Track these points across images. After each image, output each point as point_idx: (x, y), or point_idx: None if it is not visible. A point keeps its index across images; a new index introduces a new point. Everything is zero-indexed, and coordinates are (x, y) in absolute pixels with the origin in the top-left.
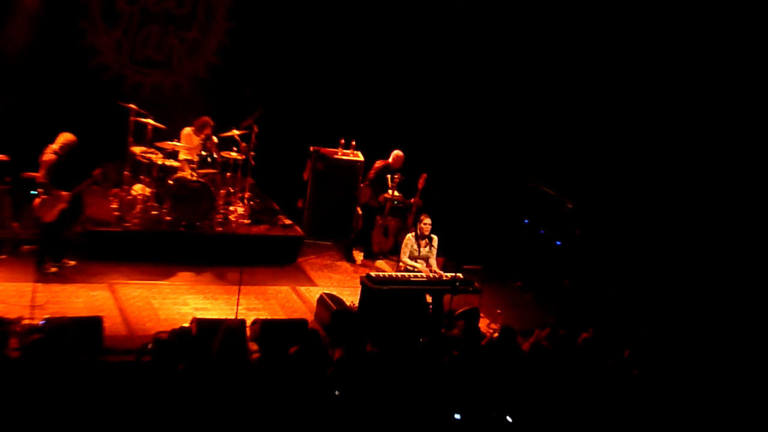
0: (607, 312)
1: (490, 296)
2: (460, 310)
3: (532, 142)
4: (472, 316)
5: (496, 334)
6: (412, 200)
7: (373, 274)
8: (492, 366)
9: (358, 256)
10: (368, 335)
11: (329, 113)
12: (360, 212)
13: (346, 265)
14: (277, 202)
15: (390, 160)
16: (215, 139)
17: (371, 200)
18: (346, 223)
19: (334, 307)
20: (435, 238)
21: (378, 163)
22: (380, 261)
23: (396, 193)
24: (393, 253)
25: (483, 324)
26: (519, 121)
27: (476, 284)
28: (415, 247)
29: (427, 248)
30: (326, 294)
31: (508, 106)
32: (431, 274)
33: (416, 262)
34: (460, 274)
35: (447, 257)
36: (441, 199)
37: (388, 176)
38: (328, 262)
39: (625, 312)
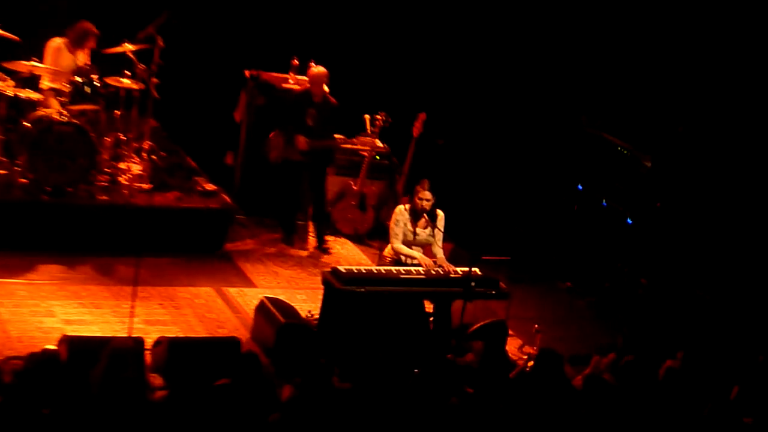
0: (705, 328)
1: (523, 304)
2: (477, 325)
3: (591, 68)
4: (496, 334)
5: (531, 363)
6: (408, 157)
7: (342, 268)
8: (525, 411)
9: (318, 240)
10: (334, 363)
11: (274, 18)
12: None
13: (300, 253)
14: (194, 157)
15: (290, 83)
16: (90, 65)
17: (287, 153)
18: (302, 190)
19: (282, 320)
20: (441, 214)
21: (283, 83)
22: (350, 245)
23: (378, 143)
24: (373, 236)
25: (512, 346)
26: (567, 38)
27: (502, 285)
28: (410, 227)
29: (428, 230)
30: (269, 299)
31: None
32: (434, 269)
33: (411, 249)
34: (477, 270)
35: (458, 243)
36: (449, 154)
37: (366, 117)
38: (273, 249)
39: (733, 328)
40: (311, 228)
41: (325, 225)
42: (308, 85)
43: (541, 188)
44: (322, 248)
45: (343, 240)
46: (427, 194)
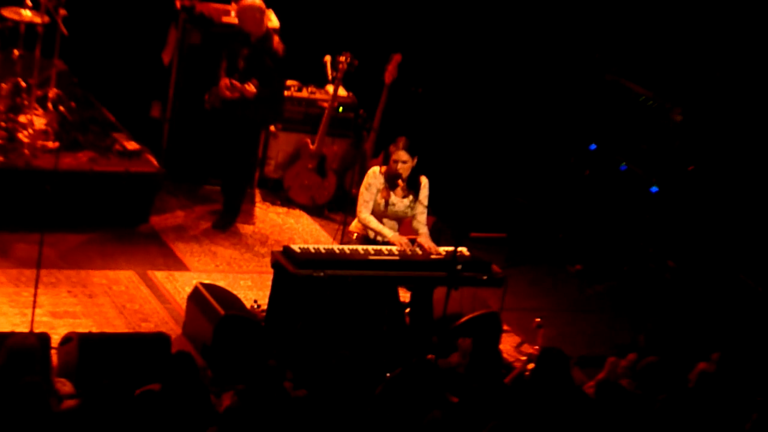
0: (748, 323)
1: (521, 292)
2: (464, 318)
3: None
4: (488, 329)
5: (531, 365)
6: (378, 109)
7: (296, 248)
8: (523, 426)
9: (269, 211)
10: (287, 365)
11: None
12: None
13: (245, 229)
14: (112, 109)
15: (232, 16)
16: None
17: (213, 100)
18: (246, 150)
19: (222, 312)
20: (424, 181)
21: (224, 16)
22: (306, 218)
23: (341, 91)
24: (335, 207)
25: (508, 344)
26: None
27: (495, 268)
28: (384, 195)
29: (407, 200)
30: (206, 286)
31: None
32: (410, 249)
33: (383, 224)
34: (464, 249)
35: (441, 217)
36: (431, 106)
37: (327, 59)
38: (209, 224)
39: None
40: (258, 197)
41: (274, 193)
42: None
43: (544, 148)
44: (270, 222)
45: (297, 212)
46: (403, 155)
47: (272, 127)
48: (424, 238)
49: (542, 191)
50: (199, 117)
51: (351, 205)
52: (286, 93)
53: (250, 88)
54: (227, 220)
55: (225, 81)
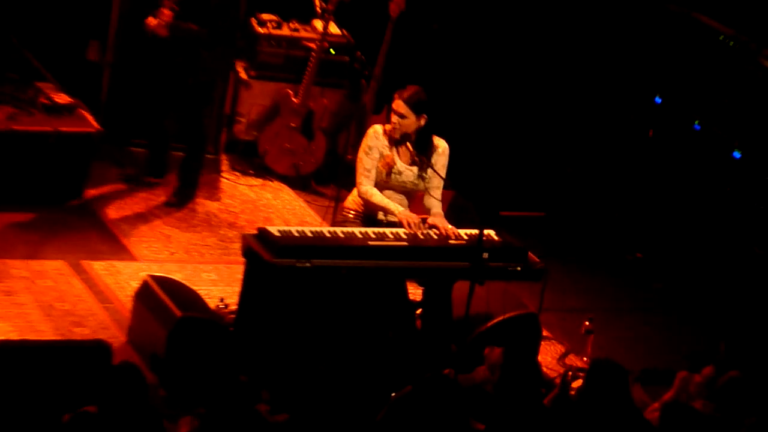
0: None
1: (566, 288)
2: (492, 321)
3: None
4: (522, 335)
5: (578, 381)
6: (381, 52)
7: (275, 230)
8: None
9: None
10: (262, 381)
11: None
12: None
13: (208, 206)
14: (36, 52)
15: None
16: None
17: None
18: (196, 104)
19: (179, 313)
20: (442, 145)
21: None
22: (287, 191)
23: (333, 28)
24: (325, 178)
25: (548, 355)
26: None
27: (533, 257)
28: (386, 162)
29: (416, 168)
30: (158, 280)
31: None
32: (422, 232)
33: (387, 198)
34: (492, 233)
35: (462, 191)
36: (449, 47)
37: None
38: (163, 199)
39: None
40: (225, 165)
41: (246, 160)
42: None
43: (595, 103)
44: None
45: (276, 184)
46: (401, 107)
47: (243, 74)
48: (439, 218)
49: (592, 158)
50: (148, 61)
51: (346, 174)
52: (261, 30)
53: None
54: (184, 195)
55: (164, 14)
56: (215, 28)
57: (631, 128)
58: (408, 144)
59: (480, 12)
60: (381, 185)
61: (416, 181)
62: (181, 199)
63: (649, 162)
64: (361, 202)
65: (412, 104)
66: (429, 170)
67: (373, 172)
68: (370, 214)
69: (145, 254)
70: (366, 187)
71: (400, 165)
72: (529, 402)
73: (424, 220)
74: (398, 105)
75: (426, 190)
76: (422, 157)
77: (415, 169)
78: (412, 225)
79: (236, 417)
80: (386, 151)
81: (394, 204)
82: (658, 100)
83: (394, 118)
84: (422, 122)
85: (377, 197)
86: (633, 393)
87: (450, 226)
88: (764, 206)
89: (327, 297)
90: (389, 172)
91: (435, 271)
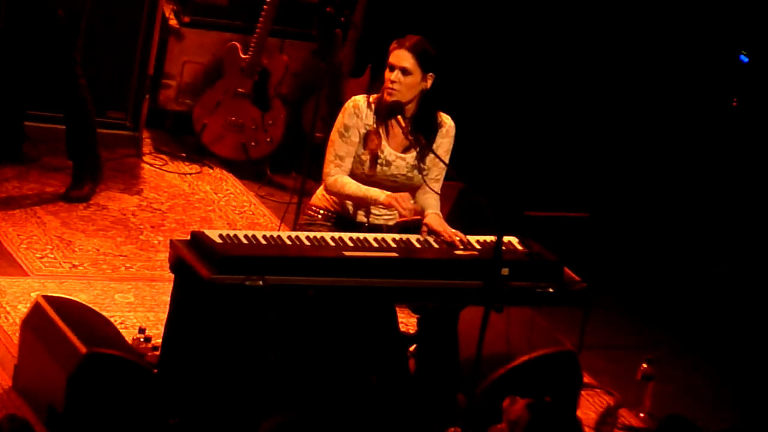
0: None
1: (616, 315)
2: (515, 362)
3: None
4: (557, 381)
5: None
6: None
7: (215, 234)
8: None
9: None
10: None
11: None
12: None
13: (123, 200)
14: None
15: None
16: None
17: None
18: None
19: (83, 349)
20: (447, 123)
21: None
22: (233, 182)
23: None
24: (284, 165)
25: (591, 409)
26: None
27: (570, 274)
28: (371, 146)
29: (411, 156)
30: (54, 303)
31: None
32: (421, 237)
33: (373, 187)
34: (514, 240)
35: (472, 185)
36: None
37: None
38: (60, 191)
39: None
40: (148, 145)
41: (176, 139)
42: None
43: (654, 59)
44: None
45: (218, 171)
46: (405, 57)
47: (173, 19)
48: (438, 220)
49: (654, 136)
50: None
51: (313, 159)
52: None
53: None
54: (85, 185)
55: None
56: None
57: (708, 96)
58: (400, 119)
59: None
60: (361, 180)
61: (410, 174)
62: (84, 192)
63: (733, 138)
64: (332, 199)
65: (418, 54)
66: (428, 158)
67: (348, 161)
68: (345, 215)
69: (38, 266)
70: (334, 177)
71: (390, 152)
72: None
73: (420, 222)
74: (401, 56)
75: (426, 183)
76: (420, 135)
77: (409, 156)
78: (402, 207)
79: None
80: (368, 130)
81: (375, 189)
82: (744, 58)
83: (393, 75)
84: (429, 83)
85: (351, 186)
86: None
87: (455, 231)
88: None
89: (286, 327)
90: (374, 162)
91: (435, 292)
